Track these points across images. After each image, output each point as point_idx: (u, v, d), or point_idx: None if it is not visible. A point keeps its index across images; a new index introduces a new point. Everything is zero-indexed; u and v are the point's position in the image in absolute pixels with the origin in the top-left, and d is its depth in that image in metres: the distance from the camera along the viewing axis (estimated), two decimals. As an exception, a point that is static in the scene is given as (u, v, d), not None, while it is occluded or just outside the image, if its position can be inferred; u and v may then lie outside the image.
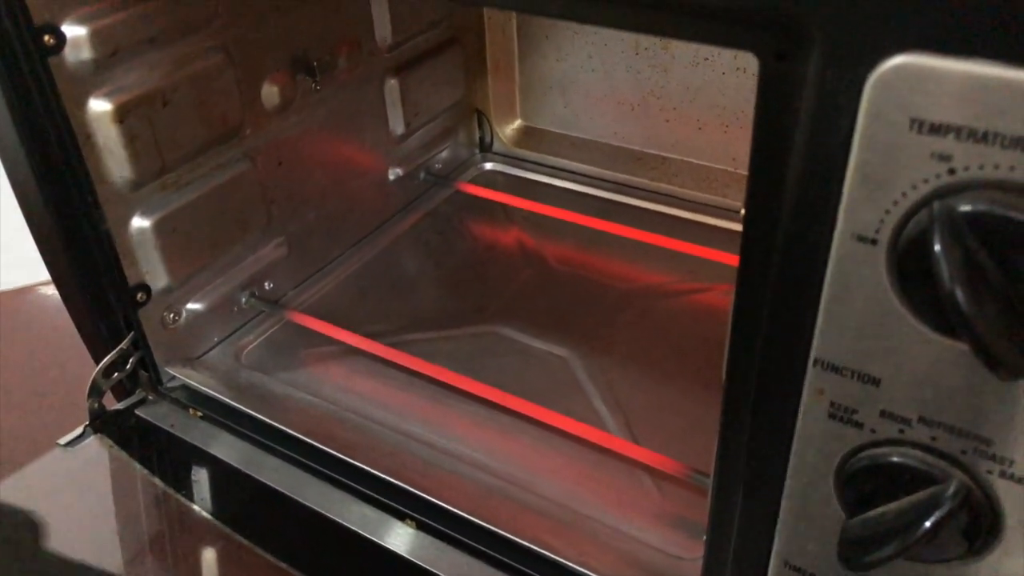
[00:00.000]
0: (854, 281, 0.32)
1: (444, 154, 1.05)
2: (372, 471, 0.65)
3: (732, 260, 0.88)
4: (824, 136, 0.30)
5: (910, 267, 0.30)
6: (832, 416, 0.35)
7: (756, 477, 0.39)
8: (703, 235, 0.90)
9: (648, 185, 0.98)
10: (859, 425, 0.35)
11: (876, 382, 0.33)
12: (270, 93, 0.79)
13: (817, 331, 0.34)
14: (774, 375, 0.36)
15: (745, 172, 0.34)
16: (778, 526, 0.40)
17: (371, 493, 0.64)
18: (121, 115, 0.65)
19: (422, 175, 1.02)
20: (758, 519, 0.40)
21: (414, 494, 0.62)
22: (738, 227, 0.35)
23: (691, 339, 0.78)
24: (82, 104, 0.64)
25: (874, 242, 0.31)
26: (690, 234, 0.91)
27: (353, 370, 0.78)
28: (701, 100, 0.91)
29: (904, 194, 0.29)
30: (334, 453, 0.66)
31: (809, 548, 0.39)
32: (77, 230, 0.67)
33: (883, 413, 0.34)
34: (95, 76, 0.64)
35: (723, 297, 0.83)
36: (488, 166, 1.08)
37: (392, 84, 0.92)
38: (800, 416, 0.36)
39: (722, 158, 0.93)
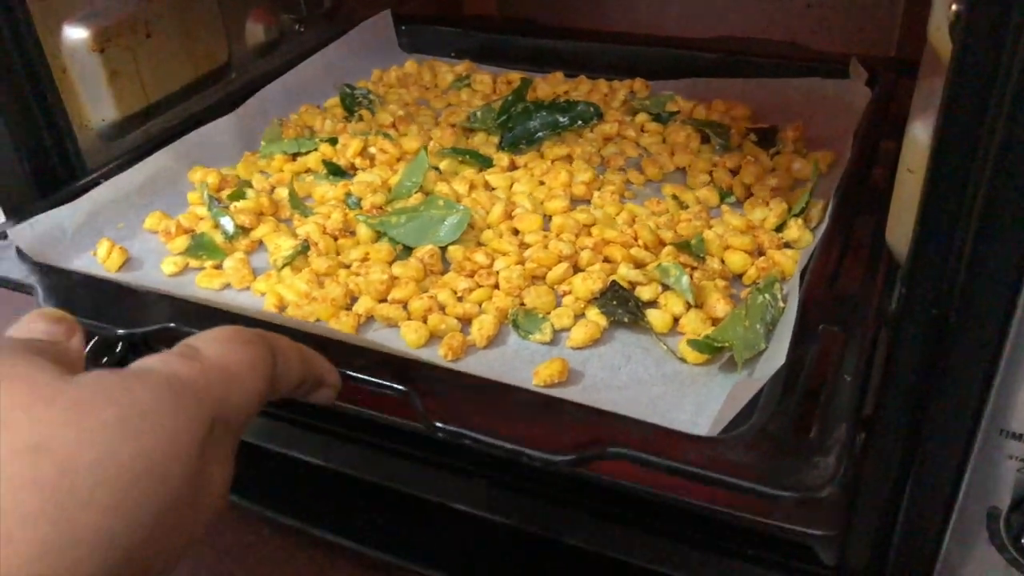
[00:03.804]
0: None
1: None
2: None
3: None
4: None
5: None
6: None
7: (967, 313, 0.32)
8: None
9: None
10: None
11: None
12: (254, 31, 0.74)
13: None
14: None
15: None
16: (996, 380, 0.33)
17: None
18: (101, 43, 0.58)
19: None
20: (965, 374, 0.34)
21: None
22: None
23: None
24: (56, 31, 0.56)
25: None
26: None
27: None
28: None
29: None
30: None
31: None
32: (52, 186, 0.58)
33: None
34: (69, -4, 0.56)
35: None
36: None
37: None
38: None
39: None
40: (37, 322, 0.31)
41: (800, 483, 0.35)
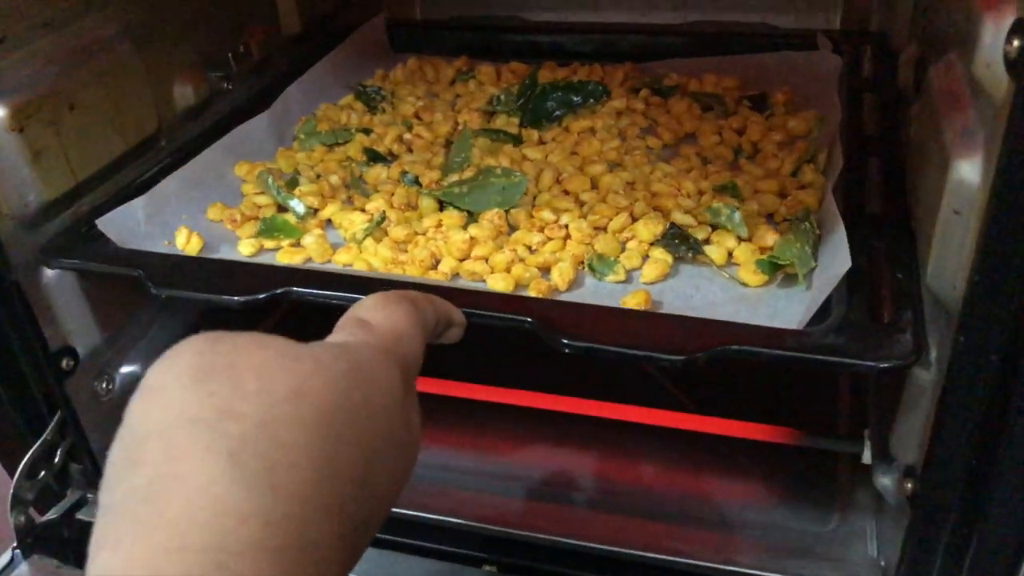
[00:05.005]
0: None
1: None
2: (428, 518, 0.56)
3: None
4: None
5: None
6: None
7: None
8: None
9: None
10: None
11: None
12: (183, 94, 0.71)
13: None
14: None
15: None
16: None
17: (433, 546, 0.57)
18: (20, 121, 0.53)
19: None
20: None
21: (487, 533, 0.55)
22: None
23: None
24: (-33, 113, 0.51)
25: None
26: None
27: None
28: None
29: None
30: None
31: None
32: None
33: None
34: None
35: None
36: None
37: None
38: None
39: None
40: None
41: (891, 355, 0.43)
